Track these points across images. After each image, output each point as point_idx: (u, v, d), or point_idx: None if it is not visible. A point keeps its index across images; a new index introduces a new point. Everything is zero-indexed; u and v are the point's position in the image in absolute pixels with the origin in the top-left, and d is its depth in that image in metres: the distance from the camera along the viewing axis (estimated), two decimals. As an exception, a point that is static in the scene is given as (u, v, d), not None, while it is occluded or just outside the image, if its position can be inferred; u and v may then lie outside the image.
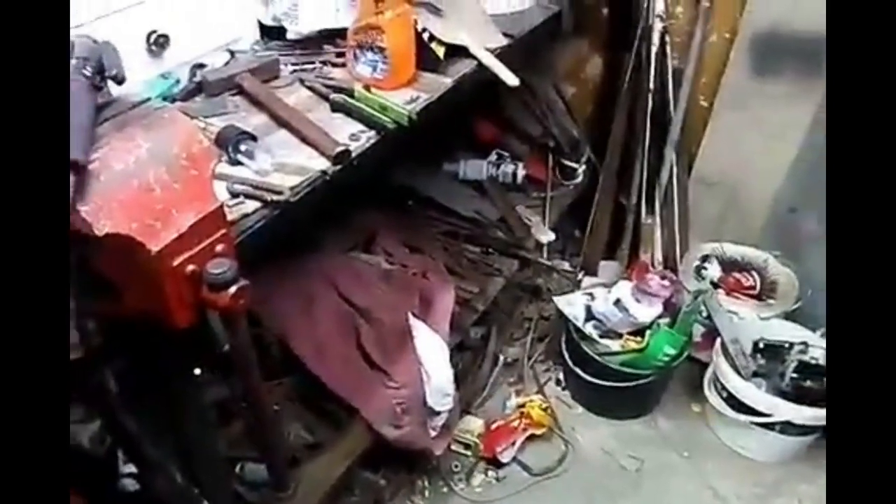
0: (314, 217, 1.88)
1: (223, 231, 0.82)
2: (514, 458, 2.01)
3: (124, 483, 1.29)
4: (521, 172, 2.39)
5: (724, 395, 2.02)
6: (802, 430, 1.97)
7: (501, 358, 2.27)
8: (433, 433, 1.75)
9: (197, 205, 0.79)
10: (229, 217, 1.05)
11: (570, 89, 2.52)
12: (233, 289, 0.79)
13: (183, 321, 0.81)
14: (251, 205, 1.09)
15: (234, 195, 1.10)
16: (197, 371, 1.22)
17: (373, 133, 1.30)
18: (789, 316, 2.15)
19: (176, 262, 0.77)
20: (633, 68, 2.21)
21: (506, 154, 2.44)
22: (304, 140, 1.24)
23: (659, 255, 2.29)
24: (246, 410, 1.08)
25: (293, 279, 1.70)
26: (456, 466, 1.97)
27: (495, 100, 2.44)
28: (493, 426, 2.04)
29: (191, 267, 0.78)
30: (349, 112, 1.33)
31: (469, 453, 2.00)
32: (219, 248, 0.81)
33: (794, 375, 1.99)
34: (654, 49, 2.15)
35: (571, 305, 2.13)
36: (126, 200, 0.75)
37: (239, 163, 1.16)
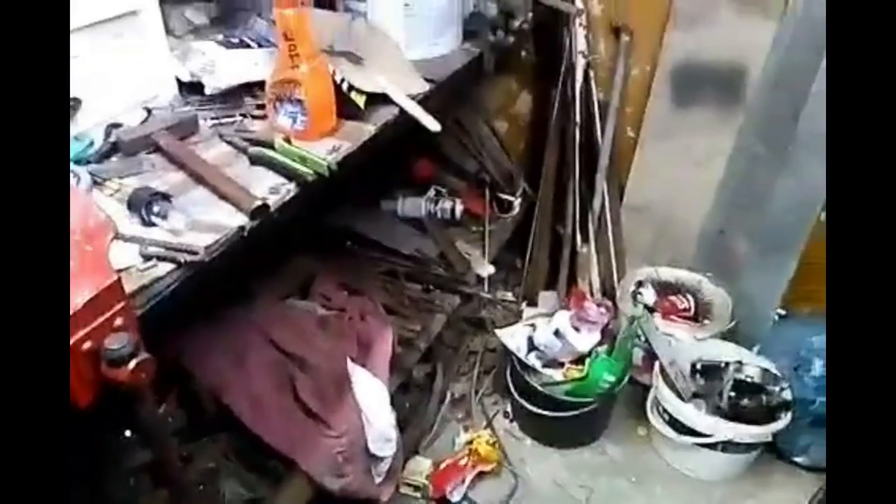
0: (246, 267, 1.88)
1: (121, 304, 0.80)
2: (465, 497, 1.99)
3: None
4: (458, 208, 2.42)
5: (667, 417, 2.06)
6: (744, 447, 2.01)
7: (449, 394, 2.27)
8: (378, 479, 1.73)
9: (93, 280, 0.78)
10: (142, 281, 1.04)
11: (502, 125, 2.58)
12: (132, 364, 0.77)
13: (84, 399, 0.79)
14: (164, 267, 1.07)
15: (147, 258, 1.08)
16: (127, 433, 1.19)
17: (293, 185, 1.29)
18: (725, 336, 2.21)
19: (71, 341, 0.76)
20: (561, 103, 2.28)
21: (443, 190, 2.47)
22: (222, 196, 1.23)
23: (596, 283, 2.34)
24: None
25: (226, 332, 1.67)
26: (406, 510, 1.95)
27: (431, 138, 2.46)
28: (442, 466, 2.03)
29: (87, 344, 0.77)
30: (268, 164, 1.33)
31: (419, 495, 1.98)
32: (117, 321, 0.79)
33: (732, 394, 2.04)
34: (578, 84, 2.22)
35: (513, 337, 2.15)
36: (15, 281, 0.73)
37: (153, 224, 1.15)
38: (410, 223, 2.43)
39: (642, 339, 2.12)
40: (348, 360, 1.72)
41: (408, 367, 2.02)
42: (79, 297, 0.77)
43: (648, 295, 2.26)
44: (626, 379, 2.08)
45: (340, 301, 1.95)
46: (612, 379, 2.01)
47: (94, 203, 0.82)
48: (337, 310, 1.89)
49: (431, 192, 2.46)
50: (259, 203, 1.19)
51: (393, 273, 2.25)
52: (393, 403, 1.77)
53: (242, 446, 1.62)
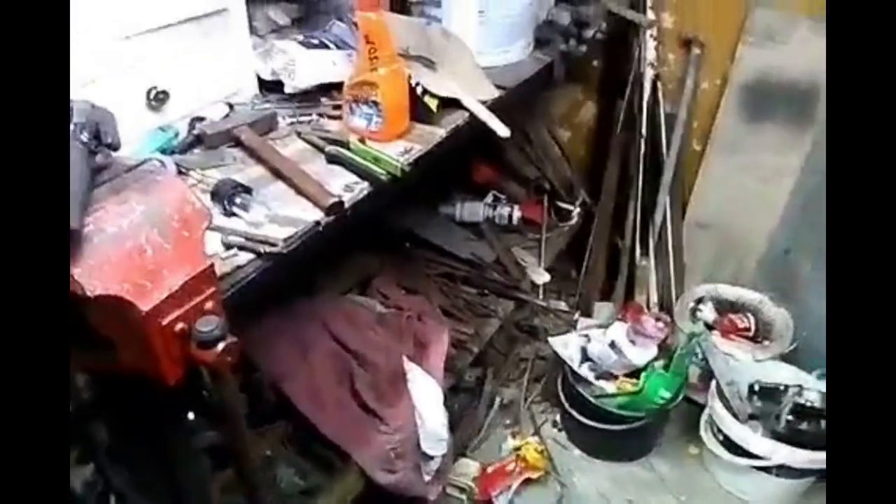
0: (310, 262, 1.93)
1: (212, 289, 0.84)
2: (510, 502, 2.00)
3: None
4: (516, 214, 2.43)
5: (721, 437, 2.02)
6: (799, 473, 1.96)
7: (498, 399, 2.28)
8: (427, 478, 1.75)
9: (187, 265, 0.82)
10: (223, 269, 1.09)
11: (565, 133, 2.58)
12: (220, 346, 0.81)
13: (172, 377, 0.83)
14: (245, 256, 1.12)
15: (229, 247, 1.13)
16: (190, 416, 1.24)
17: (366, 184, 1.33)
18: (785, 358, 2.16)
19: (166, 321, 0.80)
20: (626, 114, 2.26)
21: (502, 196, 2.48)
22: (299, 192, 1.27)
23: (654, 297, 2.31)
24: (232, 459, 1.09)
25: (288, 323, 1.72)
26: (451, 511, 1.96)
27: (493, 144, 2.49)
28: (489, 469, 2.04)
29: (180, 325, 0.80)
30: (344, 163, 1.37)
31: (464, 497, 1.99)
32: (208, 305, 0.83)
33: (790, 418, 1.99)
34: (646, 95, 2.20)
35: (567, 347, 2.14)
36: (118, 262, 0.77)
37: (234, 215, 1.20)
38: (468, 227, 2.44)
39: (700, 356, 2.08)
40: (405, 359, 1.74)
41: (459, 370, 2.03)
42: (174, 281, 0.81)
43: (708, 312, 2.22)
44: (681, 396, 2.05)
45: (398, 300, 1.98)
46: (667, 395, 1.98)
47: (191, 191, 0.86)
48: (395, 308, 1.92)
49: (490, 198, 2.47)
50: (335, 200, 1.23)
51: (449, 276, 2.26)
52: (445, 404, 1.79)
53: (298, 436, 1.66)
